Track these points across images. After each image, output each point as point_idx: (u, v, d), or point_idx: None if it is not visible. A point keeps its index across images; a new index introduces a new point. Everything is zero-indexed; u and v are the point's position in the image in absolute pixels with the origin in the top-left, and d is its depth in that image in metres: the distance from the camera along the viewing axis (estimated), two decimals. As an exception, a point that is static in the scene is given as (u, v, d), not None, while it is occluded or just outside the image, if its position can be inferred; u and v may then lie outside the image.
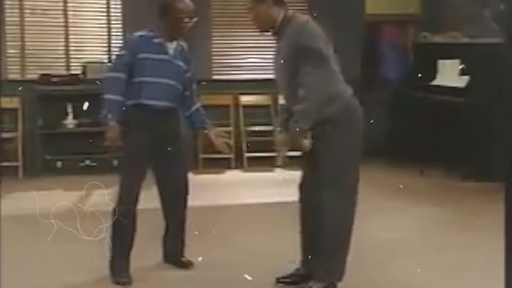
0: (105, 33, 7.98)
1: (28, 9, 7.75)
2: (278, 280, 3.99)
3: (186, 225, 4.33)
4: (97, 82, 6.72)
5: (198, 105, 4.33)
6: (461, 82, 7.25)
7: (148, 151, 4.07)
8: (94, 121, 7.36)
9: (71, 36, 7.88)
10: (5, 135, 7.35)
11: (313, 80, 3.58)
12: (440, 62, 7.66)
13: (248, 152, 8.05)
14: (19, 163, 7.35)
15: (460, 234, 5.16)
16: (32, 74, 7.70)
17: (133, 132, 4.00)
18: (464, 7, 7.98)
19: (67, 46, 7.88)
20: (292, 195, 4.07)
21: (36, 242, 4.89)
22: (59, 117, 7.58)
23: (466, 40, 7.63)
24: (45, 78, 7.54)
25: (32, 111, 7.51)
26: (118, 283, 4.02)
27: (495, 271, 2.52)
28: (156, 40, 4.08)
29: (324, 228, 3.73)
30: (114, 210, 4.08)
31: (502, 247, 2.30)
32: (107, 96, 3.97)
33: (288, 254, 4.10)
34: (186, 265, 4.30)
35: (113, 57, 7.61)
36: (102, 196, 6.28)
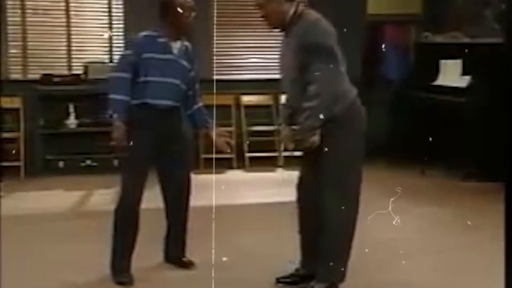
0: (106, 33, 7.98)
1: (30, 9, 7.75)
2: (278, 280, 3.99)
3: (188, 226, 4.33)
4: (100, 82, 6.77)
5: (200, 104, 4.34)
6: (463, 82, 7.25)
7: (151, 151, 4.07)
8: (95, 121, 7.37)
9: (72, 36, 7.88)
10: (7, 135, 7.36)
11: (325, 77, 3.56)
12: (442, 62, 7.66)
13: (249, 152, 8.06)
14: (21, 163, 7.36)
15: (460, 234, 5.16)
16: (34, 74, 7.70)
17: (137, 132, 4.00)
18: (465, 7, 7.98)
19: (68, 46, 7.88)
20: (293, 195, 4.07)
21: (37, 242, 4.90)
22: (60, 117, 7.58)
23: (467, 40, 7.62)
24: (47, 78, 7.55)
25: (33, 111, 7.51)
26: (119, 283, 4.02)
27: (496, 271, 2.52)
28: (160, 40, 4.09)
29: (326, 230, 3.73)
30: (116, 210, 4.09)
31: (502, 247, 2.30)
32: (112, 96, 3.98)
33: (289, 254, 4.10)
34: (187, 265, 4.31)
35: (115, 57, 7.64)
36: (104, 196, 6.30)
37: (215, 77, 8.21)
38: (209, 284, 4.10)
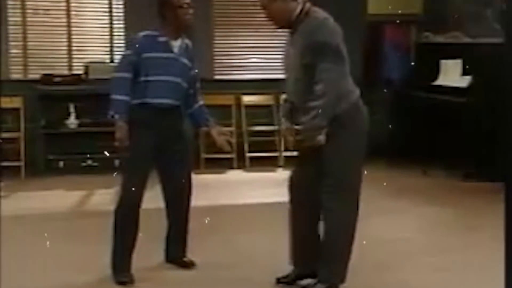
0: (107, 33, 7.99)
1: (30, 9, 7.76)
2: (278, 280, 3.99)
3: (188, 225, 4.33)
4: (101, 82, 6.78)
5: (201, 102, 4.34)
6: (463, 82, 7.26)
7: (152, 150, 4.08)
8: (96, 121, 7.38)
9: (73, 36, 7.89)
10: (7, 135, 7.36)
11: (332, 76, 3.56)
12: (442, 62, 7.67)
13: (250, 152, 8.06)
14: (21, 163, 7.36)
15: (461, 234, 5.16)
16: (34, 74, 7.71)
17: (138, 131, 4.01)
18: (466, 7, 7.98)
19: (69, 46, 7.89)
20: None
21: (38, 242, 4.89)
22: (61, 117, 7.58)
23: (468, 40, 7.62)
24: (47, 78, 7.55)
25: (34, 111, 7.52)
26: (120, 283, 4.02)
27: (496, 271, 2.52)
28: (160, 39, 4.10)
29: (327, 231, 3.73)
30: (116, 210, 4.09)
31: (503, 247, 2.30)
32: (114, 96, 3.99)
33: (289, 254, 4.10)
34: (188, 265, 4.31)
35: (116, 57, 7.65)
36: (104, 196, 6.30)
37: (215, 77, 8.26)
38: (209, 284, 4.11)
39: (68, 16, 7.86)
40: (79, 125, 7.61)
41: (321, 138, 3.58)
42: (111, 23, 7.97)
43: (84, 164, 7.52)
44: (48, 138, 7.50)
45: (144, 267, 4.22)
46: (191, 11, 4.12)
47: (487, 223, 5.25)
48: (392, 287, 4.09)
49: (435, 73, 7.68)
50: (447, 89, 7.36)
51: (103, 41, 8.00)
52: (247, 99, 8.30)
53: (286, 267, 4.00)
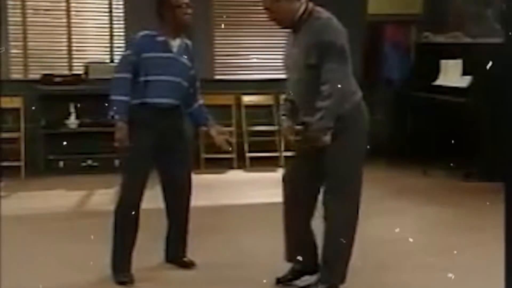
0: (107, 33, 7.99)
1: (30, 9, 7.76)
2: (278, 280, 3.99)
3: (188, 225, 4.33)
4: (101, 82, 6.78)
5: (200, 102, 4.34)
6: (464, 82, 7.25)
7: (152, 150, 4.07)
8: (96, 121, 7.37)
9: (73, 36, 7.89)
10: (7, 135, 7.36)
11: (338, 77, 3.56)
12: (443, 62, 7.67)
13: (250, 152, 8.06)
14: (21, 163, 7.36)
15: (461, 234, 5.16)
16: (35, 74, 7.71)
17: (138, 132, 4.01)
18: (466, 7, 7.97)
19: (69, 46, 7.89)
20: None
21: (38, 242, 4.90)
22: (61, 117, 7.58)
23: (468, 40, 7.62)
24: (48, 78, 7.55)
25: (34, 111, 7.51)
26: (120, 282, 4.02)
27: (497, 271, 2.52)
28: (159, 39, 4.10)
29: (329, 231, 3.73)
30: (116, 210, 4.09)
31: (503, 247, 2.30)
32: (114, 97, 4.00)
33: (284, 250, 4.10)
34: (188, 265, 4.31)
35: (116, 57, 7.65)
36: (105, 196, 6.30)
37: (216, 77, 8.27)
38: (209, 284, 4.11)
39: (68, 16, 7.86)
40: (79, 125, 7.61)
41: (327, 138, 3.59)
42: (111, 23, 7.97)
43: (84, 164, 7.52)
44: (48, 138, 7.50)
45: (144, 267, 4.22)
46: (189, 11, 4.12)
47: (488, 223, 5.24)
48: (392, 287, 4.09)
49: (435, 73, 7.68)
50: (447, 89, 7.35)
51: (103, 41, 8.00)
52: (247, 99, 8.30)
53: (286, 267, 4.00)
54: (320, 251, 3.85)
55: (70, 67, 7.90)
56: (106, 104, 4.04)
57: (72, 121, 7.59)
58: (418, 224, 5.53)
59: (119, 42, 7.87)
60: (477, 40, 7.44)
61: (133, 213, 4.06)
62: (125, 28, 7.86)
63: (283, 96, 4.09)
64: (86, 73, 7.74)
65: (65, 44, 7.89)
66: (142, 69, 4.04)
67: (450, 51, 7.57)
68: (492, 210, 5.05)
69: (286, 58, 3.87)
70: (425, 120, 7.39)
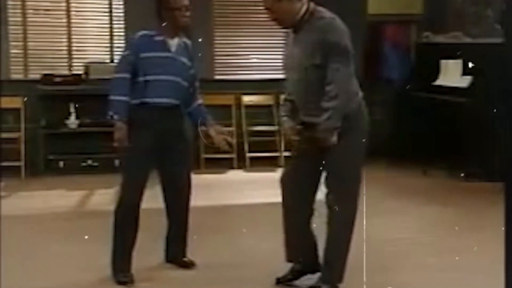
0: (107, 33, 7.99)
1: (30, 9, 7.76)
2: (278, 280, 4.00)
3: (188, 225, 4.33)
4: (101, 82, 6.78)
5: (199, 101, 4.34)
6: (464, 82, 7.25)
7: (152, 150, 4.07)
8: (96, 121, 7.37)
9: (73, 36, 7.89)
10: (8, 135, 7.36)
11: (343, 76, 3.56)
12: (442, 62, 7.66)
13: (250, 152, 8.06)
14: (21, 163, 7.36)
15: (462, 235, 5.15)
16: (35, 74, 7.71)
17: (137, 132, 4.01)
18: (466, 7, 7.97)
19: (69, 46, 7.89)
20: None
21: (38, 242, 4.90)
22: (61, 117, 7.58)
23: (468, 40, 7.62)
24: (48, 78, 7.55)
25: (34, 111, 7.52)
26: (120, 282, 4.02)
27: (498, 272, 2.52)
28: (157, 38, 4.10)
29: (333, 232, 3.74)
30: (116, 210, 4.09)
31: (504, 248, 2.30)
32: (113, 97, 4.00)
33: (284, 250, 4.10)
34: (188, 265, 4.31)
35: (116, 57, 7.64)
36: (105, 196, 6.30)
37: (216, 77, 8.27)
38: (209, 284, 4.11)
39: (68, 16, 7.86)
40: (80, 125, 7.61)
41: (334, 139, 3.59)
42: (111, 23, 7.97)
43: (84, 164, 7.52)
44: (48, 138, 7.50)
45: (144, 267, 4.22)
46: (188, 13, 4.11)
47: (488, 223, 5.24)
48: None
49: (435, 73, 7.68)
50: (447, 89, 7.35)
51: (103, 41, 8.01)
52: (247, 99, 8.30)
53: (286, 267, 4.00)
54: (320, 250, 3.86)
55: (70, 67, 7.90)
56: (107, 104, 4.04)
57: (72, 121, 7.59)
58: (418, 224, 5.53)
59: (119, 42, 7.87)
60: (477, 40, 7.44)
61: (133, 213, 4.06)
62: (125, 28, 7.86)
63: (283, 96, 4.09)
64: (86, 73, 7.73)
65: (65, 44, 7.89)
66: (141, 69, 4.04)
67: (450, 51, 7.57)
68: (492, 210, 5.05)
69: (286, 58, 3.87)
70: (425, 120, 7.39)
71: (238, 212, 6.01)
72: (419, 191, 6.74)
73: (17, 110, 7.54)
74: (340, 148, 3.63)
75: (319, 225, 3.88)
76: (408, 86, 8.02)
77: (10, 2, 7.64)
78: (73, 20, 7.89)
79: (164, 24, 4.10)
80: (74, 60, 7.90)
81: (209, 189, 6.72)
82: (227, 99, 8.17)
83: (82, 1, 7.97)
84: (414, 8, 8.51)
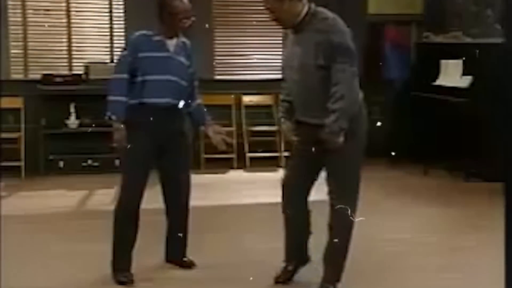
0: (107, 33, 7.99)
1: (30, 9, 7.77)
2: (276, 280, 4.00)
3: (188, 225, 4.33)
4: (101, 82, 6.78)
5: (198, 101, 4.34)
6: (463, 82, 7.25)
7: (151, 150, 4.07)
8: (96, 121, 7.37)
9: (73, 36, 7.89)
10: (8, 135, 7.36)
11: (348, 77, 3.56)
12: (442, 62, 7.66)
13: (250, 152, 8.06)
14: (22, 163, 7.36)
15: (463, 235, 5.16)
16: (35, 74, 7.71)
17: (136, 132, 4.01)
18: (466, 7, 7.98)
19: (69, 46, 7.89)
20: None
21: (38, 242, 4.90)
22: (61, 117, 7.58)
23: (468, 40, 7.62)
24: (48, 78, 7.55)
25: (34, 111, 7.52)
26: (120, 282, 4.02)
27: (498, 271, 2.52)
28: (155, 38, 4.09)
29: (336, 232, 3.75)
30: (116, 209, 4.09)
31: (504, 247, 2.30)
32: (112, 97, 4.01)
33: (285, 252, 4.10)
34: (188, 265, 4.31)
35: (116, 57, 7.64)
36: (105, 196, 6.30)
37: (216, 77, 8.27)
38: (209, 284, 4.11)
39: (68, 16, 7.86)
40: (80, 125, 7.61)
41: (341, 140, 3.58)
42: (111, 23, 7.97)
43: (84, 164, 7.52)
44: (48, 138, 7.50)
45: (144, 267, 4.22)
46: (190, 20, 4.10)
47: (488, 223, 5.24)
48: None
49: (435, 73, 7.68)
50: (447, 89, 7.35)
51: (103, 41, 8.01)
52: (247, 99, 8.30)
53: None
54: (318, 249, 3.87)
55: (70, 67, 7.90)
56: (107, 104, 4.04)
57: (72, 121, 7.59)
58: (418, 224, 5.53)
59: (119, 42, 7.87)
60: (478, 40, 7.44)
61: (133, 213, 4.06)
62: (125, 28, 7.86)
63: (281, 97, 4.08)
64: (86, 73, 7.74)
65: (65, 44, 7.89)
66: (139, 69, 4.04)
67: (450, 51, 7.57)
68: (492, 210, 5.05)
69: (287, 58, 3.86)
70: (425, 120, 7.39)
71: (238, 212, 6.01)
72: (419, 191, 6.74)
73: (17, 110, 7.54)
74: (341, 148, 3.63)
75: (319, 226, 3.89)
76: (408, 86, 8.02)
77: (10, 2, 7.65)
78: (73, 20, 7.89)
79: (164, 26, 4.09)
80: (74, 60, 7.90)
81: (209, 189, 6.72)
82: (227, 99, 8.17)
83: (82, 1, 7.97)
84: (414, 8, 8.51)
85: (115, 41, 7.95)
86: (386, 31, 8.43)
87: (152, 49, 4.06)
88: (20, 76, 7.77)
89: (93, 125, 7.31)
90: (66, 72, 7.81)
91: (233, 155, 7.81)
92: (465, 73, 7.33)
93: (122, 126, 3.98)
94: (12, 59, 7.71)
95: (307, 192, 3.89)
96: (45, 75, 7.58)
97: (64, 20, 7.86)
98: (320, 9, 3.73)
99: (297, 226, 3.93)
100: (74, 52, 7.91)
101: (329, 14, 3.70)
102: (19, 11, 7.71)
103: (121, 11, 7.94)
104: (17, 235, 4.95)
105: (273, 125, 8.15)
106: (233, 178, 7.60)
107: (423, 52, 8.21)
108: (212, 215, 5.74)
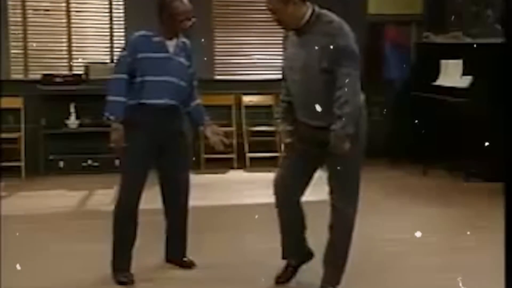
0: (107, 33, 7.99)
1: (30, 9, 7.77)
2: (277, 280, 4.00)
3: (188, 225, 4.33)
4: (101, 82, 6.78)
5: (197, 101, 4.33)
6: (463, 82, 7.25)
7: (150, 150, 4.07)
8: (96, 121, 7.37)
9: (73, 36, 7.90)
10: (8, 135, 7.37)
11: (353, 81, 3.53)
12: (442, 62, 7.66)
13: (250, 152, 8.06)
14: (22, 163, 7.37)
15: (463, 235, 5.16)
16: (35, 74, 7.72)
17: (135, 132, 4.01)
18: (466, 7, 7.98)
19: (69, 46, 7.89)
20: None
21: (38, 242, 4.90)
22: (61, 117, 7.59)
23: (468, 40, 7.62)
24: (48, 78, 7.56)
25: (34, 111, 7.52)
26: (119, 282, 4.02)
27: (498, 271, 2.52)
28: (155, 39, 4.09)
29: (338, 233, 3.75)
30: (115, 210, 4.09)
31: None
32: (110, 98, 4.00)
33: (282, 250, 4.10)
34: (188, 265, 4.31)
35: (116, 57, 7.64)
36: (105, 196, 6.30)
37: (216, 77, 8.27)
38: (209, 284, 4.11)
39: (68, 16, 7.86)
40: (80, 125, 7.61)
41: (348, 145, 3.56)
42: (111, 23, 7.97)
43: (84, 164, 7.53)
44: (48, 138, 7.50)
45: (144, 267, 4.22)
46: (191, 21, 4.10)
47: (488, 223, 5.24)
48: None
49: (435, 73, 7.68)
50: (447, 89, 7.35)
51: (103, 41, 8.01)
52: (247, 99, 8.30)
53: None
54: (318, 250, 3.87)
55: (70, 67, 7.90)
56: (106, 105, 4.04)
57: (72, 121, 7.59)
58: (418, 224, 5.53)
59: (119, 42, 7.87)
60: (478, 40, 7.44)
61: (132, 213, 4.06)
62: (125, 28, 7.86)
63: (280, 97, 4.08)
64: (86, 73, 7.74)
65: (65, 44, 7.89)
66: (138, 70, 4.03)
67: (450, 51, 7.57)
68: (492, 210, 5.05)
69: (288, 59, 3.82)
70: (425, 120, 7.39)
71: (238, 212, 6.01)
72: (419, 191, 6.74)
73: (17, 110, 7.54)
74: (346, 152, 3.62)
75: (319, 225, 3.89)
76: (408, 86, 8.02)
77: (10, 2, 7.65)
78: (73, 20, 7.89)
79: (164, 27, 4.08)
80: (74, 60, 7.91)
81: (209, 189, 6.72)
82: (227, 99, 8.17)
83: (82, 1, 7.97)
84: (414, 8, 8.52)
85: (115, 41, 7.95)
86: (386, 31, 8.43)
87: (152, 49, 4.06)
88: (20, 76, 7.77)
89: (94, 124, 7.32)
90: (66, 72, 7.81)
91: (233, 155, 7.81)
92: (465, 73, 7.33)
93: (120, 126, 3.98)
94: (12, 59, 7.71)
95: (301, 192, 3.89)
96: (45, 75, 7.59)
97: (64, 20, 7.86)
98: (324, 11, 3.71)
99: (292, 224, 3.94)
100: (74, 52, 7.91)
101: (334, 17, 3.67)
102: (19, 11, 7.72)
103: (121, 11, 7.94)
104: (17, 235, 4.94)
105: (273, 125, 8.15)
106: (233, 178, 7.61)
107: (423, 52, 8.21)
108: (212, 215, 5.74)
